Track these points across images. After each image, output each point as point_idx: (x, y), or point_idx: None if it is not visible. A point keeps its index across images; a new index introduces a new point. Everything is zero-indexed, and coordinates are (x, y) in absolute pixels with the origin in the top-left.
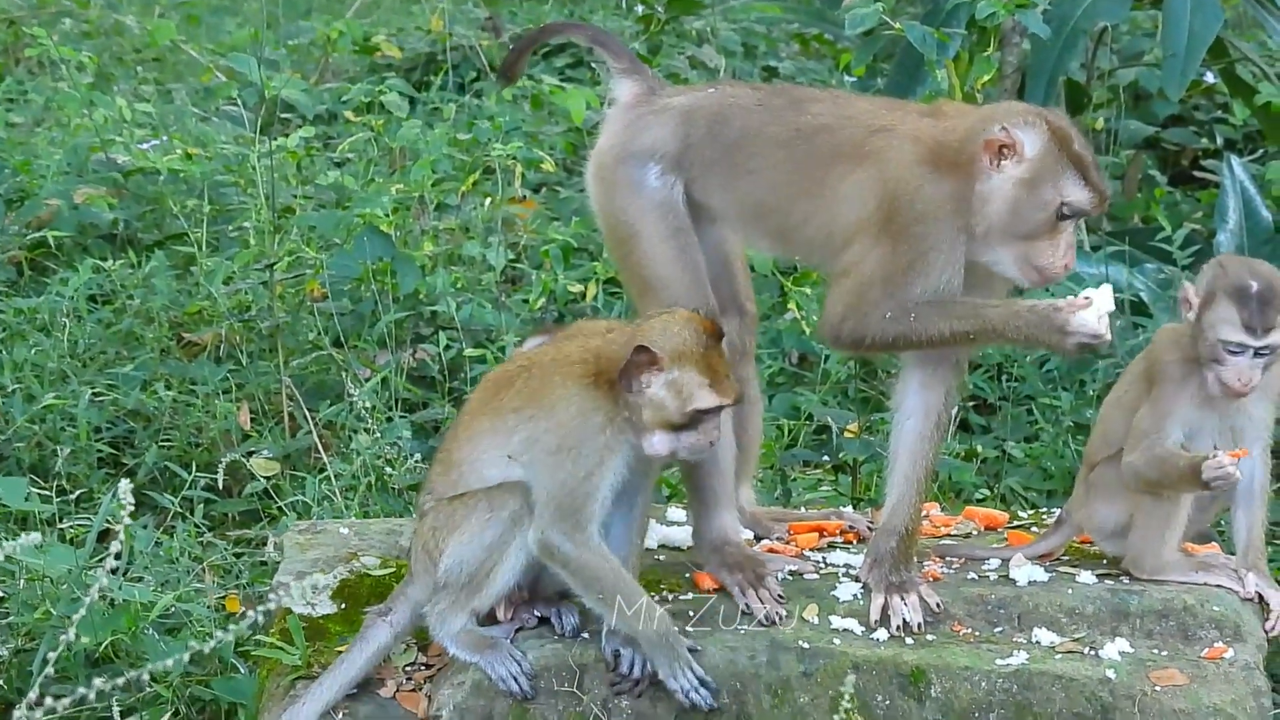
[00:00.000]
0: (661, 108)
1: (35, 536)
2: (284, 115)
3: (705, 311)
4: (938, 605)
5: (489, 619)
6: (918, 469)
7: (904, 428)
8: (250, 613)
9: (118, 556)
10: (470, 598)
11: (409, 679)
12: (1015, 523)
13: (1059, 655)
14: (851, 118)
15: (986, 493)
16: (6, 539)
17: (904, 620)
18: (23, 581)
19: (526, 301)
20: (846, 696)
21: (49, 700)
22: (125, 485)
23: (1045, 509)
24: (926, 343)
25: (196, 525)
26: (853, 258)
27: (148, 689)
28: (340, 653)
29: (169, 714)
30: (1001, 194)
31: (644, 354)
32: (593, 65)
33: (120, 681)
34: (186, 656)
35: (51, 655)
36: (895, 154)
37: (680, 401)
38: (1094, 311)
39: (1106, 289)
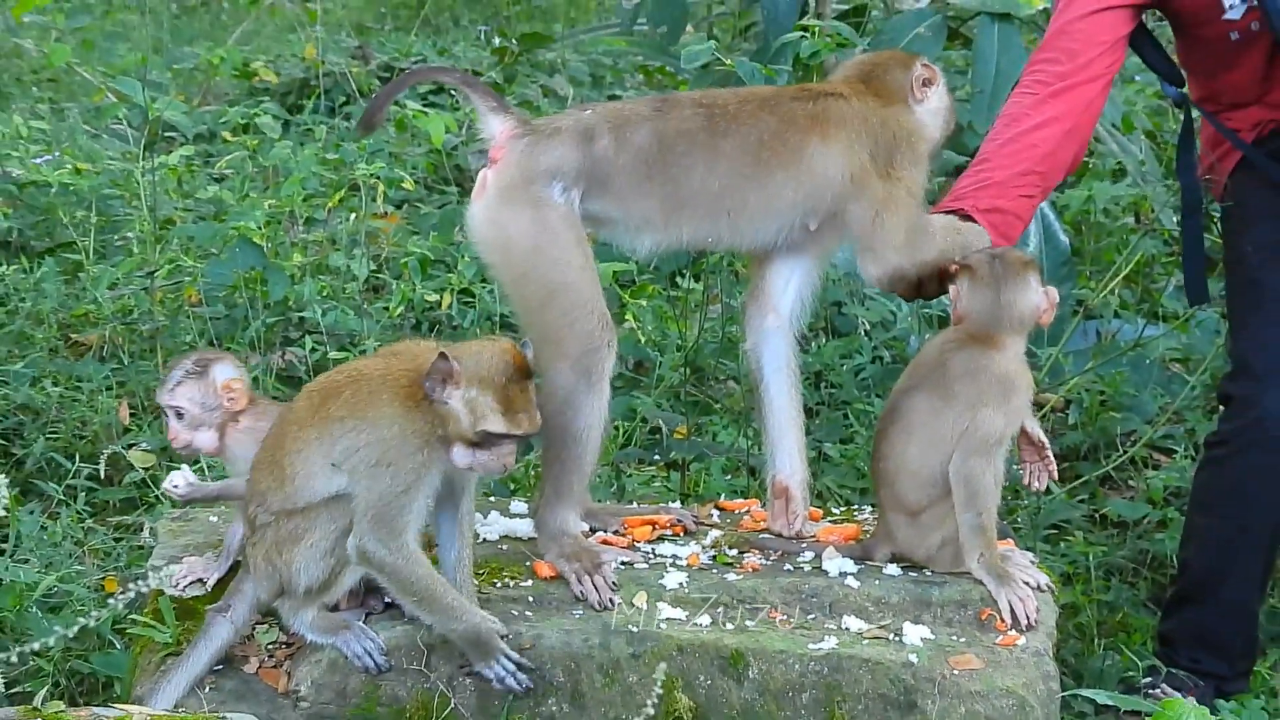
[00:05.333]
0: (550, 132)
1: None
2: (167, 134)
3: (599, 319)
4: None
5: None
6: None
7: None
8: (127, 590)
9: (4, 540)
10: (318, 596)
11: (270, 656)
12: (829, 518)
13: (866, 640)
14: (772, 97)
15: None
16: None
17: None
18: None
19: (387, 309)
20: (659, 681)
21: None
22: (2, 480)
23: (857, 505)
24: (948, 254)
25: (79, 512)
26: (873, 202)
27: (30, 663)
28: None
29: (49, 685)
30: (934, 117)
31: (444, 363)
32: (452, 92)
33: (4, 655)
34: (73, 631)
35: None
36: (856, 107)
37: (472, 420)
38: None
39: None
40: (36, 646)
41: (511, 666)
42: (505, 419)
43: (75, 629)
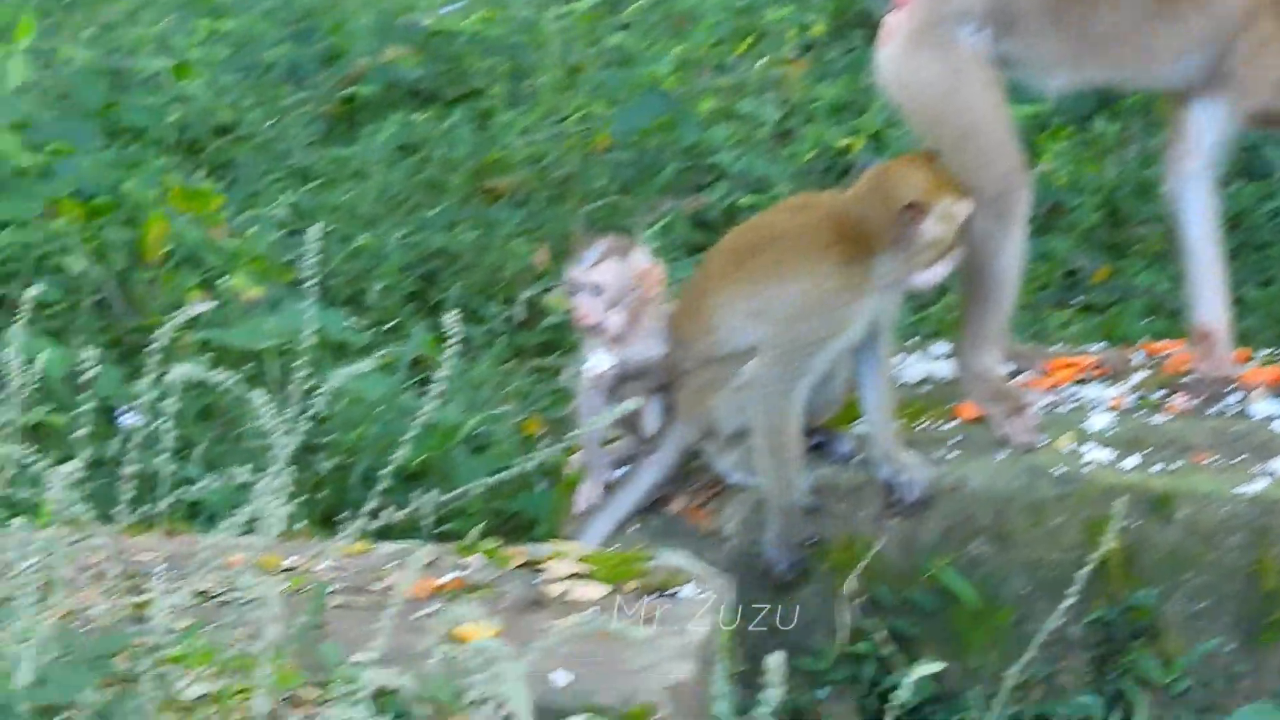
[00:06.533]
0: None
1: (365, 365)
2: None
3: (1013, 161)
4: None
5: None
6: None
7: None
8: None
9: (427, 381)
10: (744, 438)
11: (695, 496)
12: (1254, 360)
13: None
14: None
15: None
16: (327, 365)
17: None
18: (342, 404)
19: (796, 154)
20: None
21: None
22: (453, 315)
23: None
24: None
25: (498, 355)
26: (1259, 38)
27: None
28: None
29: (480, 525)
30: None
31: (911, 209)
32: None
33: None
34: (507, 474)
35: (383, 470)
36: None
37: (951, 224)
38: None
39: None
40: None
41: (788, 553)
42: (965, 199)
43: (499, 469)
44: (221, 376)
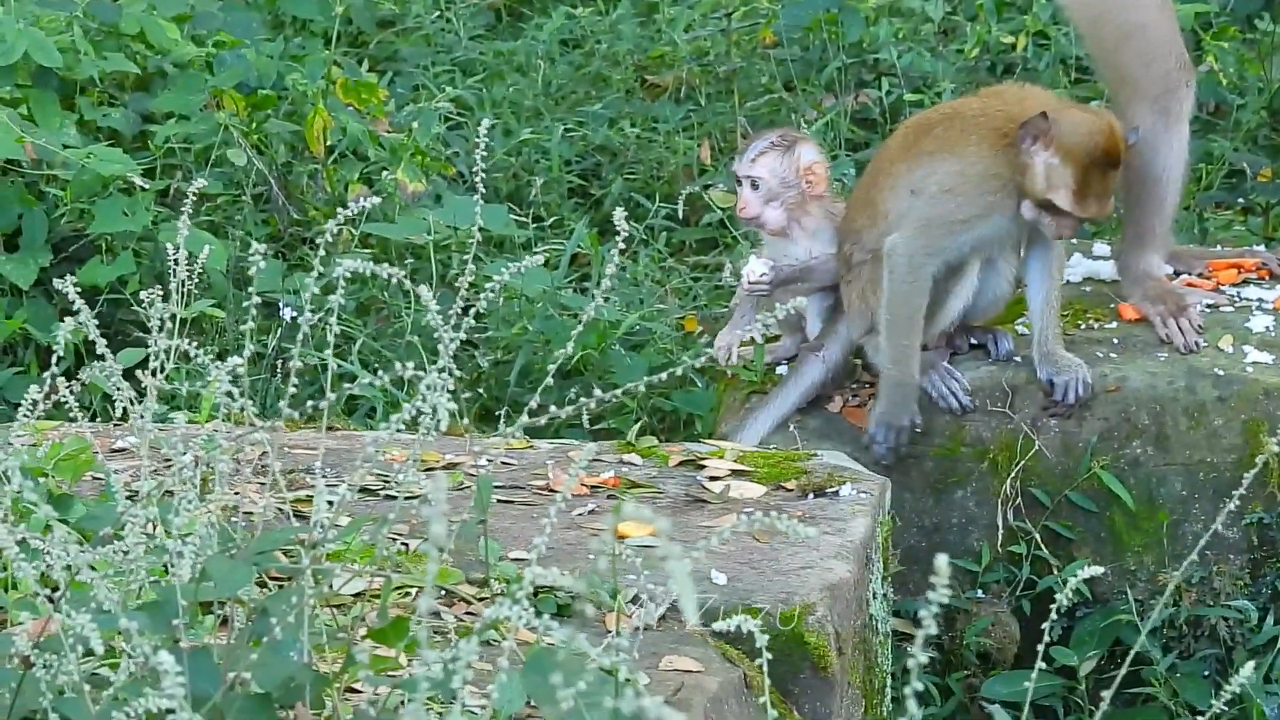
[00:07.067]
0: None
1: (534, 260)
2: None
3: (1177, 60)
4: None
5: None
6: None
7: None
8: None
9: (587, 278)
10: None
11: (854, 395)
12: None
13: None
14: None
15: None
16: (489, 260)
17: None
18: (501, 300)
19: (961, 51)
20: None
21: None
22: (619, 213)
23: None
24: None
25: (658, 251)
26: None
27: (612, 400)
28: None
29: (639, 422)
30: None
31: (1041, 121)
32: None
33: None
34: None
35: (551, 367)
36: None
37: (1045, 186)
38: None
39: None
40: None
41: (891, 442)
42: (1074, 198)
43: (658, 367)
44: (386, 271)
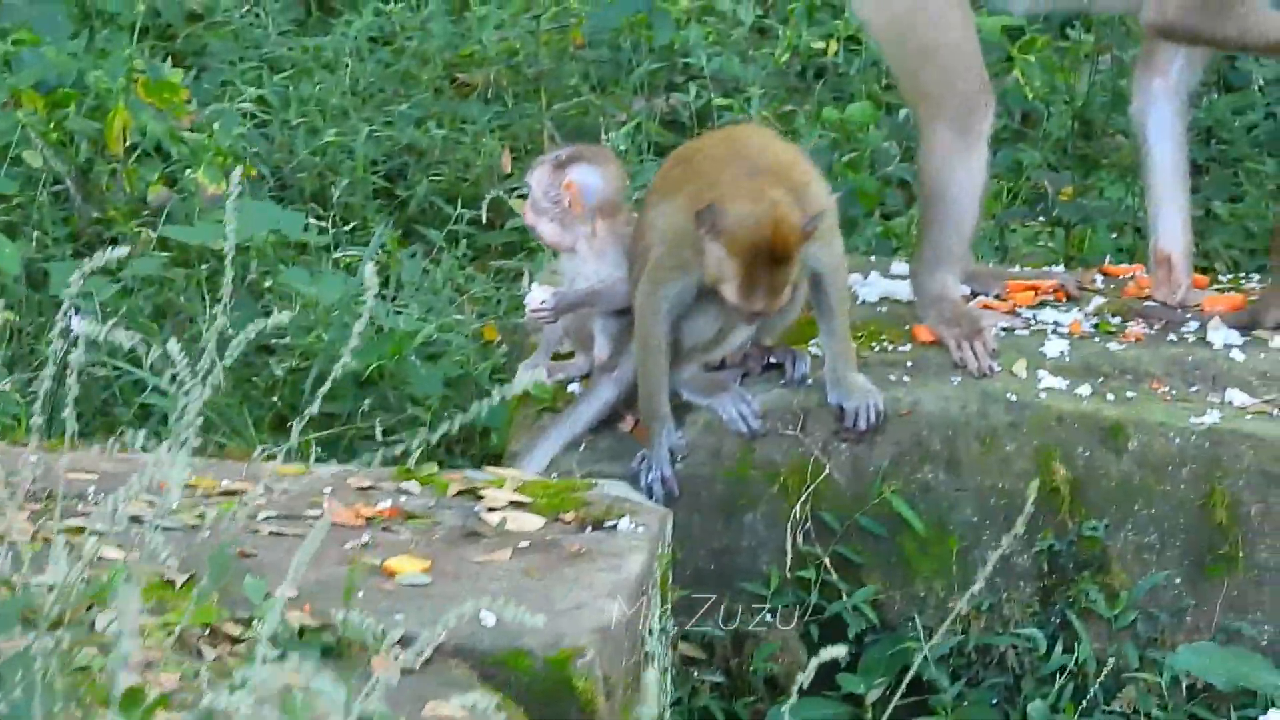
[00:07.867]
0: None
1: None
2: None
3: (977, 80)
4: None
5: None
6: None
7: None
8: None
9: (388, 284)
10: (701, 355)
11: None
12: (1215, 286)
13: (1250, 415)
14: None
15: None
16: (289, 264)
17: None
18: (298, 307)
19: (773, 55)
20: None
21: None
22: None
23: (1245, 275)
24: (1250, 46)
25: (459, 257)
26: None
27: (407, 411)
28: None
29: (420, 447)
30: None
31: (709, 214)
32: None
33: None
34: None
35: (331, 376)
36: None
37: (716, 275)
38: None
39: None
40: (415, 395)
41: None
42: (739, 292)
43: (452, 377)
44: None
